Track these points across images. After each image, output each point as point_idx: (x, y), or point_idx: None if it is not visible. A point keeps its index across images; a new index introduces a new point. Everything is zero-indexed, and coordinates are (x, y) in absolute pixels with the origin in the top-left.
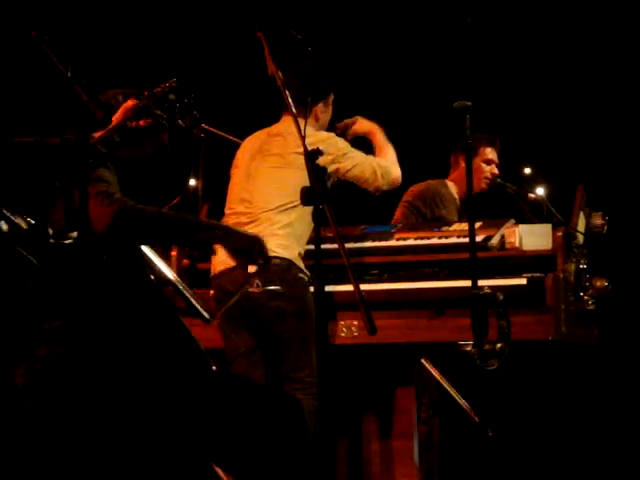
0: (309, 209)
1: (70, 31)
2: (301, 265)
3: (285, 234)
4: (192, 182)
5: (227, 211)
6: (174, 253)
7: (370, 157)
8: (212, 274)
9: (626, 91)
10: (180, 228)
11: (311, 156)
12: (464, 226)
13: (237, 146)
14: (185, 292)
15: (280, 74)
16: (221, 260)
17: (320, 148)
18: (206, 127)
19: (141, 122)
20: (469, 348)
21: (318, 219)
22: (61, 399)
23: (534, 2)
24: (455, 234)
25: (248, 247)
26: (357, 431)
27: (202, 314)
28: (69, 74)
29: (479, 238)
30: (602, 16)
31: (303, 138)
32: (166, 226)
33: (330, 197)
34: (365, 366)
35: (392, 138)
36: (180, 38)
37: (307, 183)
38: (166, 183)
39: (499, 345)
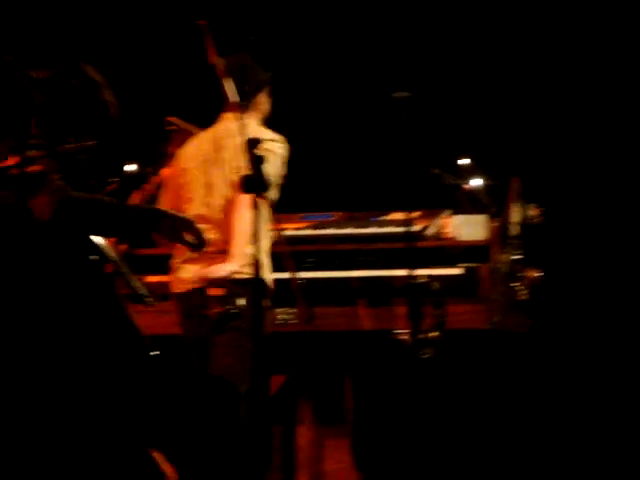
0: (265, 216)
1: None
2: (268, 281)
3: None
4: (130, 168)
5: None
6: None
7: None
8: (178, 291)
9: (560, 83)
10: (121, 216)
11: (251, 144)
12: (401, 216)
13: None
14: (127, 275)
15: (222, 63)
16: (189, 278)
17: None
18: (172, 119)
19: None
20: (405, 336)
21: (258, 207)
22: None
23: None
24: (392, 224)
25: (184, 231)
26: (292, 419)
27: (144, 298)
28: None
29: (416, 228)
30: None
31: (243, 127)
32: (109, 214)
33: (268, 185)
34: (301, 354)
35: (332, 129)
36: (118, 28)
37: None
38: (106, 168)
39: (434, 334)
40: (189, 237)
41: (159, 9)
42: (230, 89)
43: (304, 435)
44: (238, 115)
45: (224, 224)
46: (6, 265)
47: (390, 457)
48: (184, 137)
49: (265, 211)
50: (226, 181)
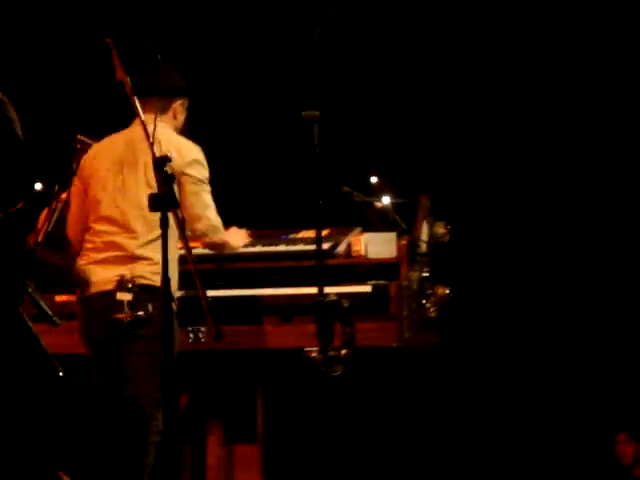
0: (174, 233)
1: None
2: (174, 291)
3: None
4: (37, 186)
5: (95, 226)
6: None
7: (214, 207)
8: (81, 295)
9: (468, 98)
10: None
11: (160, 162)
12: (311, 233)
13: None
14: (34, 295)
15: (129, 80)
16: (94, 282)
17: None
18: (82, 138)
19: None
20: (314, 354)
21: (165, 225)
22: None
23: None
24: (302, 241)
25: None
26: (202, 438)
27: (52, 318)
28: None
29: (326, 246)
30: (441, 14)
31: (152, 144)
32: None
33: (177, 204)
34: (210, 372)
35: (242, 146)
36: (26, 44)
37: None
38: (12, 186)
39: (344, 351)
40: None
41: (68, 24)
42: (139, 106)
43: (214, 454)
44: (152, 119)
45: (136, 226)
46: None
47: (300, 475)
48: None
49: (174, 228)
50: (140, 183)
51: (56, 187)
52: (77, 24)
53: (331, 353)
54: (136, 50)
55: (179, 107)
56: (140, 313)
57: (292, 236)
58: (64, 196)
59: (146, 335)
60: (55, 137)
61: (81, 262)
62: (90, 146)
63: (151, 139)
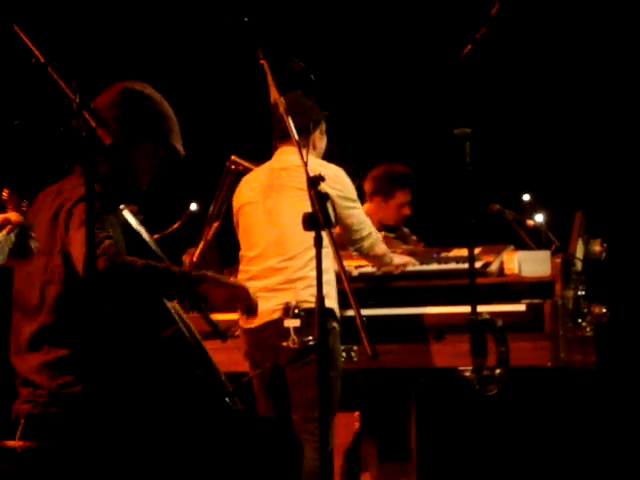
0: (330, 252)
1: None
2: (336, 310)
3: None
4: (193, 207)
5: (249, 253)
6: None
7: (369, 222)
8: (248, 326)
9: (624, 117)
10: (167, 283)
11: (313, 182)
12: (463, 252)
13: None
14: (206, 310)
15: (283, 101)
16: (263, 311)
17: (327, 180)
18: (236, 158)
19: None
20: (468, 374)
21: (319, 244)
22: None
23: (533, 27)
24: (454, 260)
25: (232, 299)
26: (356, 455)
27: (223, 334)
28: (77, 100)
29: (478, 264)
30: (597, 39)
31: (305, 164)
32: (152, 282)
33: (331, 222)
34: (365, 391)
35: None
36: (180, 62)
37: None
38: (167, 207)
39: (498, 371)
40: (241, 306)
41: (221, 46)
42: (293, 126)
43: (368, 471)
44: (296, 148)
45: (291, 248)
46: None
47: None
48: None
49: (329, 248)
50: (291, 206)
51: (211, 207)
52: (232, 46)
53: (485, 372)
54: (289, 71)
55: (318, 136)
56: (308, 338)
57: (444, 254)
58: (215, 224)
59: (314, 360)
60: (209, 158)
61: None
62: (243, 167)
63: (305, 158)
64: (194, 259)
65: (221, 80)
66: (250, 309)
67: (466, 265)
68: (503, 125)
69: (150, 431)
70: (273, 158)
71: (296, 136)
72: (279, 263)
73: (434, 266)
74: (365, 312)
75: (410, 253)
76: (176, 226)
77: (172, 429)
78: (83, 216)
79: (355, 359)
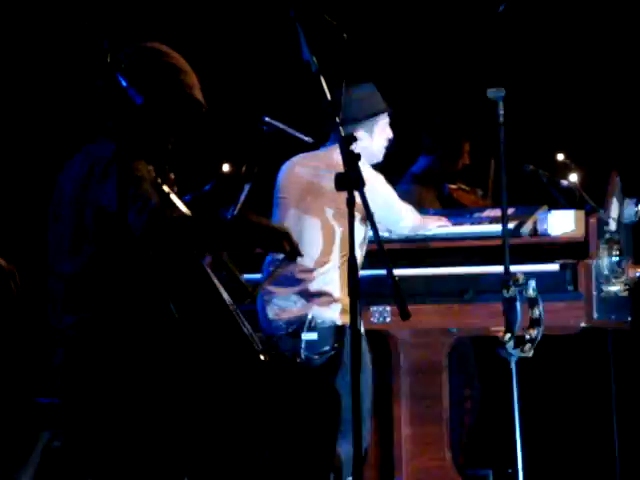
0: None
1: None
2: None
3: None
4: (225, 168)
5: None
6: None
7: (405, 207)
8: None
9: None
10: (215, 232)
11: (346, 141)
12: (496, 212)
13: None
14: (232, 267)
15: (315, 60)
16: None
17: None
18: (269, 120)
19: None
20: (501, 334)
21: (351, 206)
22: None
23: None
24: (488, 220)
25: (275, 243)
26: (388, 415)
27: (250, 292)
28: (108, 60)
29: (511, 225)
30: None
31: (338, 124)
32: (201, 232)
33: (363, 183)
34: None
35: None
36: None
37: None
38: (200, 169)
39: (532, 331)
40: (284, 247)
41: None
42: (326, 88)
43: (400, 432)
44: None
45: (310, 250)
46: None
47: (488, 455)
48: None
49: (359, 213)
50: (316, 217)
51: (242, 169)
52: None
53: (518, 333)
54: (321, 29)
55: (381, 126)
56: (329, 353)
57: (477, 215)
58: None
59: (335, 375)
60: (242, 119)
61: (265, 298)
62: (276, 129)
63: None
64: None
65: (255, 40)
66: (293, 253)
67: (499, 226)
68: (537, 84)
69: (187, 386)
70: (321, 152)
71: (328, 95)
72: (298, 274)
73: (467, 227)
74: (397, 272)
75: (443, 214)
76: (208, 187)
77: (209, 382)
78: (121, 172)
79: (388, 319)
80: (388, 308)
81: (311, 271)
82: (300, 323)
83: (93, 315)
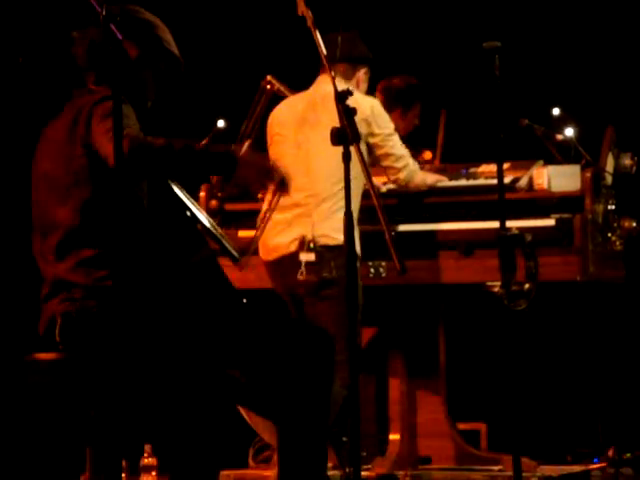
0: (361, 182)
1: None
2: (357, 247)
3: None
4: (220, 124)
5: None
6: (202, 194)
7: (407, 153)
8: (269, 258)
9: None
10: (192, 158)
11: (341, 96)
12: (492, 167)
13: None
14: (215, 231)
15: (310, 14)
16: (280, 244)
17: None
18: (271, 78)
19: None
20: (497, 289)
21: (347, 160)
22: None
23: None
24: (483, 176)
25: (264, 175)
26: (384, 371)
27: (232, 253)
28: (103, 12)
29: (507, 179)
30: None
31: (333, 79)
32: (179, 157)
33: (359, 137)
34: (392, 306)
35: (420, 80)
36: None
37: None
38: (194, 124)
39: (527, 285)
40: (274, 181)
41: None
42: (321, 41)
43: (396, 387)
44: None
45: (317, 182)
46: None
47: (482, 409)
48: (274, 98)
49: (357, 164)
50: (323, 141)
51: (243, 126)
52: None
53: (514, 287)
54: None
55: (362, 76)
56: (325, 274)
57: (473, 170)
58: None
59: (331, 296)
60: (238, 76)
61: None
62: (278, 88)
63: (333, 82)
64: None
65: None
66: (283, 183)
67: (495, 180)
68: (533, 38)
69: (180, 328)
70: (312, 87)
71: (324, 50)
72: (303, 199)
73: (463, 182)
74: (394, 228)
75: (439, 170)
76: (203, 143)
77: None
78: (106, 110)
79: (383, 275)
80: (384, 263)
81: (315, 195)
82: (299, 244)
83: (96, 256)
